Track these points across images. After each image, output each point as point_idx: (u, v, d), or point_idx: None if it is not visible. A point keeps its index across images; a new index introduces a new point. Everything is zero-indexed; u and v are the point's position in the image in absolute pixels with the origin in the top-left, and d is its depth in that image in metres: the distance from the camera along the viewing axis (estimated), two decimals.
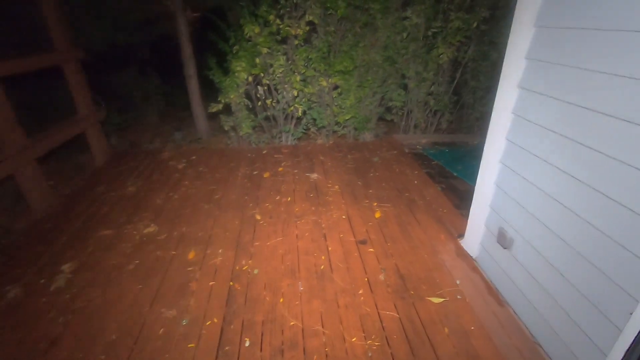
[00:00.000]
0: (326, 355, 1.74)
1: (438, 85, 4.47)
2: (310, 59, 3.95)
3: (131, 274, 2.27)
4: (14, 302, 2.08)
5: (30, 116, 3.61)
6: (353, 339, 1.82)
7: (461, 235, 2.58)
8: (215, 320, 1.93)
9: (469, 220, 2.44)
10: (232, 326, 1.90)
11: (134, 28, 5.39)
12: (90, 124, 3.81)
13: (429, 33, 3.97)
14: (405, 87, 4.45)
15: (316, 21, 3.76)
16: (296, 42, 3.87)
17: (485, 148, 2.18)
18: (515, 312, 1.98)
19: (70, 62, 3.58)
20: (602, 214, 1.40)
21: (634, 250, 1.26)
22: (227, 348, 1.78)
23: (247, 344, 1.80)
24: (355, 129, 4.59)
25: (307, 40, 4.00)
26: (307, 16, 3.78)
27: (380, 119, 4.88)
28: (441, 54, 4.00)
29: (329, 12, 3.78)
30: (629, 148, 1.28)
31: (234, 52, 3.81)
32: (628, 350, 1.25)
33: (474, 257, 2.41)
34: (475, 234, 2.36)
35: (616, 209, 1.33)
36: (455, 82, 4.52)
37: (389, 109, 4.70)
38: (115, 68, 5.62)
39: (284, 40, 3.94)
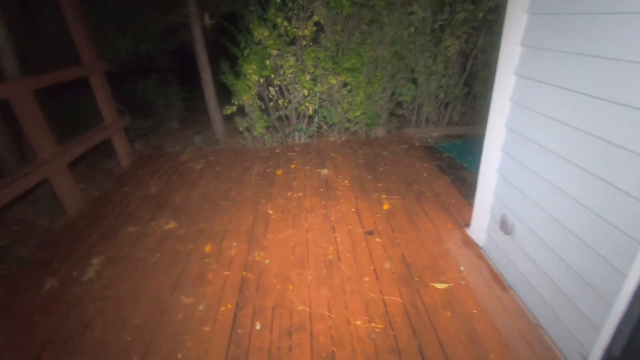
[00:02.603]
0: (331, 337, 1.84)
1: (448, 78, 4.46)
2: (319, 58, 4.05)
3: (154, 266, 2.46)
4: (51, 292, 2.30)
5: (61, 125, 3.91)
6: (357, 322, 1.91)
7: (468, 224, 2.61)
8: (229, 306, 2.07)
9: (474, 209, 2.48)
10: (244, 311, 2.03)
11: (155, 38, 5.69)
12: (115, 131, 4.07)
13: (436, 26, 3.98)
14: (414, 81, 4.47)
15: (322, 21, 3.86)
16: (304, 42, 3.99)
17: (486, 136, 2.21)
18: (519, 297, 2.01)
19: (96, 74, 3.85)
20: (597, 197, 1.41)
21: (628, 232, 1.27)
22: (239, 331, 1.91)
23: (258, 327, 1.93)
24: (367, 125, 4.65)
25: (315, 40, 4.10)
26: (314, 17, 3.89)
27: (392, 114, 4.92)
28: (449, 46, 4.00)
29: (334, 12, 3.87)
30: (624, 132, 1.28)
31: (245, 55, 3.97)
32: (618, 325, 1.29)
33: (480, 245, 2.44)
34: (481, 222, 2.40)
35: (610, 191, 1.34)
36: (466, 73, 4.50)
37: (399, 104, 4.73)
38: (138, 76, 5.94)
39: (292, 42, 4.07)
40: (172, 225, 2.92)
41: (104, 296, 2.23)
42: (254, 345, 1.82)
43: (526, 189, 1.88)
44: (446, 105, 4.74)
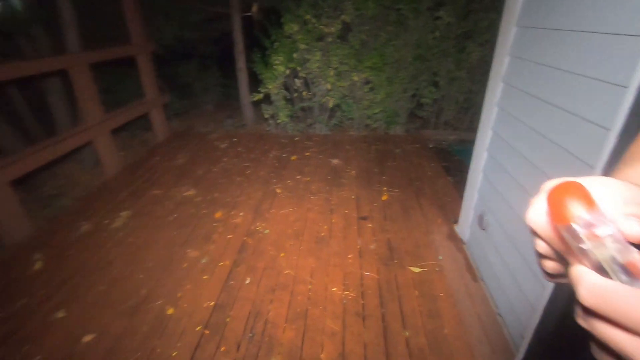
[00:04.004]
0: (308, 298, 2.10)
1: (471, 84, 4.54)
2: (343, 54, 4.28)
3: (170, 224, 2.83)
4: (84, 233, 2.73)
5: (108, 97, 4.41)
6: (334, 289, 2.16)
7: (456, 220, 2.76)
8: (227, 262, 2.39)
9: (462, 206, 2.63)
10: (238, 268, 2.34)
11: (198, 25, 6.14)
12: (154, 106, 4.53)
13: (459, 32, 4.08)
14: (436, 85, 4.59)
15: (348, 20, 4.08)
16: (330, 39, 4.23)
17: (476, 138, 2.36)
18: (487, 288, 2.16)
19: (143, 53, 4.31)
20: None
21: None
22: (231, 282, 2.22)
23: (247, 281, 2.22)
24: (385, 123, 4.82)
25: (341, 37, 4.33)
26: (343, 16, 4.12)
27: (415, 115, 5.05)
28: (470, 52, 4.09)
29: (360, 12, 4.08)
30: (581, 142, 1.35)
31: (274, 47, 4.28)
32: (546, 307, 1.45)
33: (464, 240, 2.59)
34: (467, 219, 2.55)
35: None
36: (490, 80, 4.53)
37: (420, 105, 4.86)
38: (180, 60, 6.44)
39: (320, 38, 4.32)
40: (191, 192, 3.29)
41: (126, 242, 2.62)
42: (241, 296, 2.12)
43: (499, 186, 2.04)
44: (467, 110, 4.81)
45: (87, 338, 1.85)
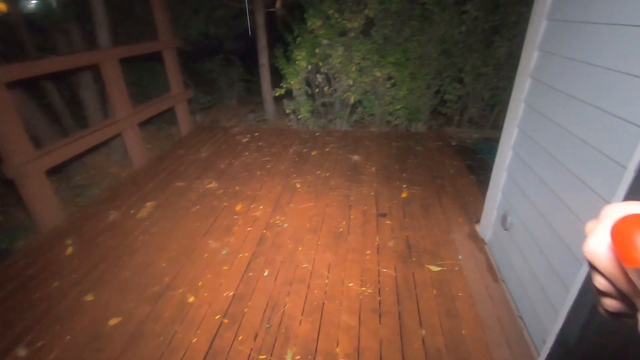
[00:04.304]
0: (325, 292, 2.11)
1: (498, 80, 4.39)
2: (366, 50, 4.24)
3: (192, 215, 2.91)
4: (112, 222, 2.85)
5: (135, 91, 4.56)
6: (350, 284, 2.16)
7: (478, 220, 2.70)
8: (246, 254, 2.44)
9: (484, 206, 2.57)
10: (257, 260, 2.38)
11: (223, 22, 6.24)
12: (179, 101, 4.65)
13: (487, 27, 3.96)
14: (461, 81, 4.47)
15: (372, 15, 4.03)
16: (352, 34, 4.20)
17: (501, 135, 2.29)
18: (508, 290, 2.11)
19: (169, 49, 4.42)
20: (586, 205, 1.41)
21: None
22: (250, 274, 2.26)
23: (265, 273, 2.26)
24: (407, 119, 4.76)
25: (364, 33, 4.29)
26: (366, 10, 4.08)
27: (438, 112, 4.95)
28: (498, 47, 3.96)
29: (384, 7, 4.02)
30: (620, 146, 1.26)
31: (297, 42, 4.29)
32: (571, 310, 1.40)
33: (485, 240, 2.53)
34: (489, 218, 2.49)
35: (600, 202, 1.35)
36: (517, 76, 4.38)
37: (444, 102, 4.75)
38: (205, 56, 6.56)
39: (343, 33, 4.30)
40: (213, 185, 3.37)
41: (151, 231, 2.71)
42: (259, 287, 2.16)
43: (525, 186, 1.97)
44: (492, 108, 4.67)
45: (113, 321, 1.94)
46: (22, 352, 1.78)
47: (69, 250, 2.53)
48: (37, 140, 3.59)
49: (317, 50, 4.30)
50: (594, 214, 0.26)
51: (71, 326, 1.92)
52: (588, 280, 1.36)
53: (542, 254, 1.74)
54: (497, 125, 4.81)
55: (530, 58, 1.96)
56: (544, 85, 1.82)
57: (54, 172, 3.16)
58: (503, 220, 2.18)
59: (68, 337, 1.86)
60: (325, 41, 4.24)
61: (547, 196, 1.72)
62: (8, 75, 2.53)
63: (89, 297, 2.11)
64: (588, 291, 1.35)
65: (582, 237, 0.26)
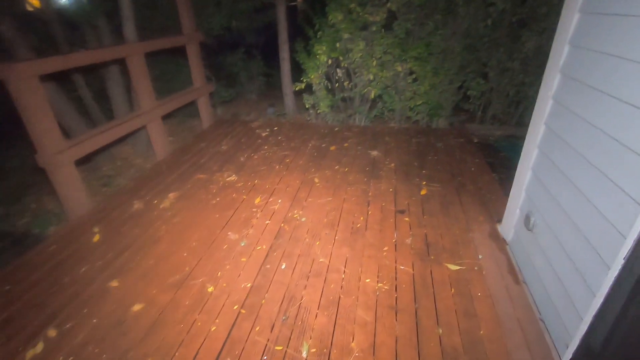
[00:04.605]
0: (341, 287, 2.12)
1: (524, 76, 4.25)
2: (388, 44, 4.18)
3: (213, 207, 2.97)
4: (136, 212, 2.95)
5: (159, 85, 4.67)
6: (367, 280, 2.16)
7: (500, 220, 2.63)
8: (264, 247, 2.47)
9: (507, 205, 2.50)
10: (275, 253, 2.41)
11: (246, 16, 6.28)
12: (201, 94, 4.73)
13: (514, 19, 3.82)
14: (485, 76, 4.35)
15: (394, 9, 3.96)
16: (374, 28, 4.14)
17: (527, 133, 2.22)
18: (530, 292, 2.06)
19: (193, 43, 4.50)
20: (616, 208, 1.34)
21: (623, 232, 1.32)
22: (268, 266, 2.30)
23: (283, 266, 2.29)
24: (428, 115, 4.67)
25: (386, 27, 4.23)
26: (389, 4, 4.02)
27: (460, 108, 4.85)
28: (526, 41, 3.82)
29: (407, 0, 3.94)
30: None
31: (318, 36, 4.27)
32: (597, 315, 1.36)
33: (507, 240, 2.47)
34: (511, 218, 2.43)
35: (632, 205, 1.26)
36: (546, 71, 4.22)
37: (467, 98, 4.64)
38: (227, 50, 6.63)
39: (364, 27, 4.25)
40: (233, 177, 3.43)
41: (173, 222, 2.79)
42: (276, 279, 2.19)
43: (551, 186, 1.91)
44: (517, 104, 4.53)
45: (136, 307, 2.01)
46: (52, 332, 1.88)
47: (96, 237, 2.64)
48: (67, 132, 3.73)
49: (337, 45, 4.27)
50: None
51: (97, 310, 2.01)
52: (616, 285, 1.32)
53: (567, 257, 1.68)
54: (521, 123, 4.67)
55: (560, 53, 1.88)
56: (574, 81, 1.75)
57: (83, 162, 3.29)
58: (526, 220, 2.13)
59: (95, 320, 1.95)
60: (346, 35, 4.20)
61: (574, 197, 1.67)
62: (42, 68, 2.64)
63: (114, 283, 2.19)
64: (616, 297, 1.31)
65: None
